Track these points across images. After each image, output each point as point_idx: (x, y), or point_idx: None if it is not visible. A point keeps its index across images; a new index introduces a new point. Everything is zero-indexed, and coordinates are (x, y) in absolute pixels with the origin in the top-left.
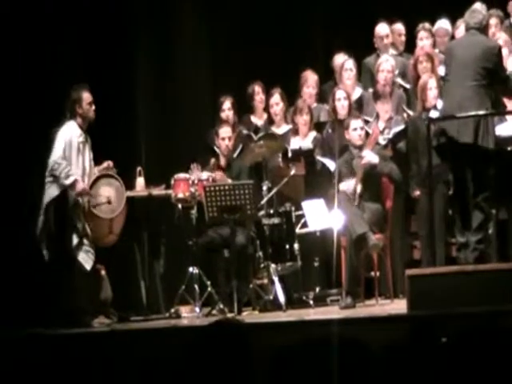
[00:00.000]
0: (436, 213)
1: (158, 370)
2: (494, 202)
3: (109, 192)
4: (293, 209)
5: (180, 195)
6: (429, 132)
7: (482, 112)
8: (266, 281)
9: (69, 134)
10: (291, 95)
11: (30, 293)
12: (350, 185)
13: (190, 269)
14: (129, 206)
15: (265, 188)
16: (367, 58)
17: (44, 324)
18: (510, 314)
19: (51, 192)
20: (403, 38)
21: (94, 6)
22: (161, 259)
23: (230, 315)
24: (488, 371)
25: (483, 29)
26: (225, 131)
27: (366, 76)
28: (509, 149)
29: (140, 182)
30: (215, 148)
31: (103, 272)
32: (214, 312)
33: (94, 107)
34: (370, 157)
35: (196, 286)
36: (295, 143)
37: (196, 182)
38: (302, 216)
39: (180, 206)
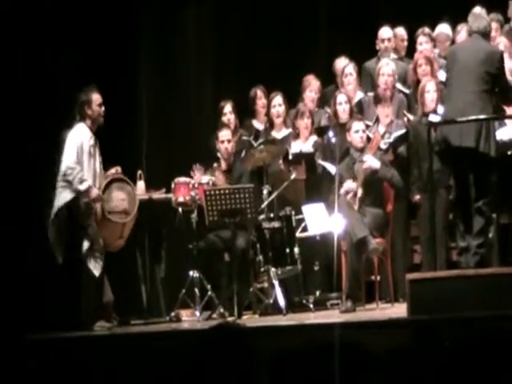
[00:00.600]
0: (437, 217)
1: (158, 374)
2: (495, 206)
3: (122, 196)
4: (293, 213)
5: (180, 199)
6: (429, 136)
7: (482, 116)
8: (266, 285)
9: (80, 138)
10: (292, 99)
11: (38, 296)
12: (351, 185)
13: (191, 272)
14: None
15: (265, 192)
16: (368, 61)
17: (49, 328)
18: (510, 318)
19: (64, 196)
20: (405, 43)
21: (98, 10)
22: (161, 263)
23: (230, 319)
24: (489, 375)
25: (487, 34)
26: (224, 134)
27: (366, 80)
28: (509, 153)
29: (140, 185)
30: (218, 153)
31: (104, 277)
32: (215, 316)
33: (103, 108)
34: (371, 162)
35: (196, 290)
36: (296, 147)
37: (196, 185)
38: (303, 220)
39: (180, 209)
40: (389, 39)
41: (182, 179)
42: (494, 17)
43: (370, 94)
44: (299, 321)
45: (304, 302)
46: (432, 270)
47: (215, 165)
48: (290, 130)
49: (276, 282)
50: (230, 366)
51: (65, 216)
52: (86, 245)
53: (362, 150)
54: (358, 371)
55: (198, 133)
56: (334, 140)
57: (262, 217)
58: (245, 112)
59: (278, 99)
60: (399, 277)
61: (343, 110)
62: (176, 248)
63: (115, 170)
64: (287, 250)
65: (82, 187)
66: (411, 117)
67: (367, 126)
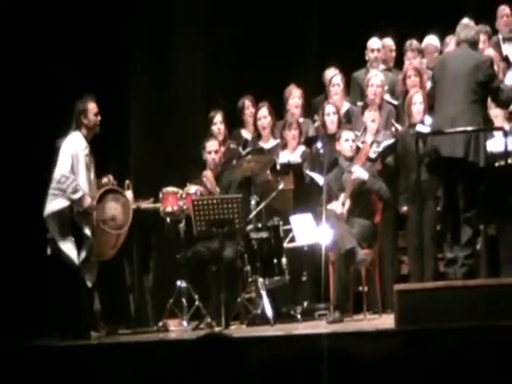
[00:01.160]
0: (425, 228)
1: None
2: (483, 217)
3: (116, 207)
4: (281, 223)
5: (168, 209)
6: (417, 147)
7: (470, 128)
8: (254, 295)
9: (75, 147)
10: (283, 109)
11: (32, 304)
12: (337, 206)
13: (178, 282)
14: None
15: (253, 202)
16: (356, 71)
17: (41, 336)
18: (498, 329)
19: (56, 204)
20: (393, 54)
21: (90, 20)
22: (149, 272)
23: (217, 329)
24: None
25: (475, 44)
26: (212, 145)
27: (354, 90)
28: (497, 165)
29: (128, 195)
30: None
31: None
32: (202, 326)
33: (99, 118)
34: (359, 173)
35: (184, 300)
36: (284, 157)
37: (184, 195)
38: (291, 230)
39: (169, 219)
40: (378, 50)
41: (170, 189)
42: (481, 28)
43: (359, 103)
44: (287, 331)
45: (292, 312)
46: (420, 281)
47: (203, 174)
48: (277, 140)
49: (264, 293)
50: (217, 377)
51: (61, 222)
52: (83, 254)
53: (351, 159)
54: (346, 382)
55: (187, 142)
56: (322, 150)
57: (249, 227)
58: (234, 122)
59: (263, 111)
60: (387, 288)
61: (331, 120)
62: (164, 258)
63: (108, 179)
64: (275, 261)
65: (76, 196)
66: (399, 127)
67: (356, 136)
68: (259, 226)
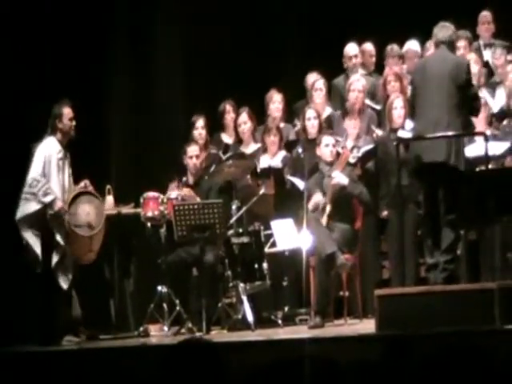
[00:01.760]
0: (406, 233)
1: None
2: (464, 222)
3: (89, 209)
4: (262, 228)
5: (149, 214)
6: (398, 152)
7: (451, 133)
8: (235, 300)
9: (48, 151)
10: (265, 114)
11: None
12: (319, 198)
13: (159, 287)
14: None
15: (234, 207)
16: (336, 78)
17: (18, 342)
18: (478, 334)
19: (28, 207)
20: (373, 59)
21: (71, 26)
22: (130, 277)
23: (198, 334)
24: None
25: (452, 44)
26: (193, 150)
27: (335, 97)
28: (477, 170)
29: (109, 200)
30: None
31: (73, 291)
32: (183, 331)
33: (74, 123)
34: (339, 178)
35: (165, 305)
36: (265, 162)
37: (165, 200)
38: (271, 235)
39: (149, 224)
40: (355, 56)
41: (151, 194)
42: (462, 34)
43: (339, 110)
44: (268, 336)
45: (273, 317)
46: (401, 285)
47: (184, 179)
48: (258, 145)
49: (245, 298)
50: (198, 382)
51: (33, 225)
52: (55, 258)
53: (331, 164)
54: None
55: (169, 147)
56: (302, 155)
57: (230, 232)
58: (215, 126)
59: (243, 117)
60: (368, 292)
61: (312, 125)
62: (145, 262)
63: (84, 184)
64: (256, 266)
65: (47, 199)
66: (380, 132)
67: (337, 141)
68: (240, 230)
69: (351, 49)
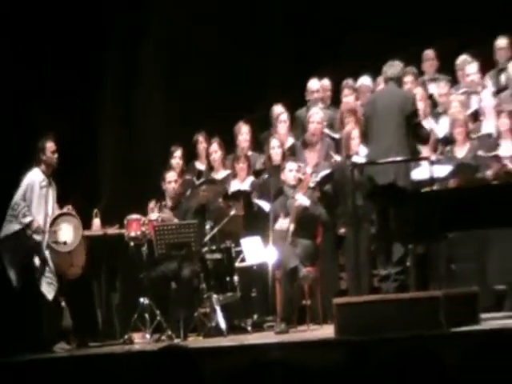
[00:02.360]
0: (361, 248)
1: None
2: (412, 238)
3: (67, 228)
4: (233, 245)
5: (132, 234)
6: (353, 175)
7: (400, 158)
8: (209, 310)
9: (31, 179)
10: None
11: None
12: (283, 224)
13: (142, 300)
14: (87, 244)
15: (208, 227)
16: (299, 110)
17: (10, 350)
18: (427, 338)
19: (10, 227)
20: (329, 93)
21: (57, 54)
22: (116, 291)
23: (177, 341)
24: None
25: (400, 80)
26: (171, 175)
27: (297, 127)
28: (423, 191)
29: (96, 222)
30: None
31: (63, 303)
32: (163, 338)
33: (56, 155)
34: (302, 200)
35: (147, 315)
36: (235, 186)
37: (147, 222)
38: (241, 252)
39: (132, 243)
40: (317, 90)
41: (134, 216)
42: (409, 70)
43: (301, 139)
44: (239, 341)
45: (243, 324)
46: (357, 295)
47: (163, 202)
48: (228, 171)
49: (218, 307)
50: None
51: (14, 244)
52: (38, 271)
53: (294, 187)
54: None
55: (148, 174)
56: (268, 180)
57: (205, 249)
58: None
59: (213, 146)
60: (328, 301)
61: (276, 153)
62: (129, 278)
63: (67, 209)
64: (228, 279)
65: (25, 220)
66: (338, 158)
67: (299, 167)
68: (213, 248)
69: (313, 84)
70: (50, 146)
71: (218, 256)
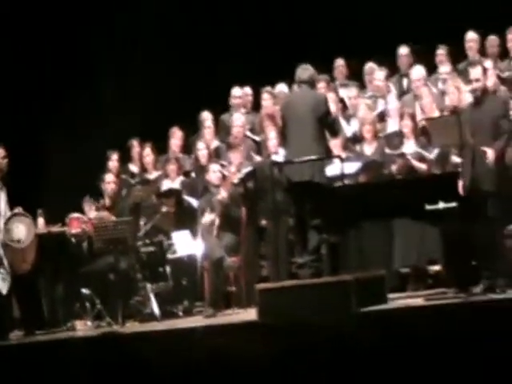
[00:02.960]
0: (280, 239)
1: (58, 375)
2: (326, 228)
3: (20, 227)
4: (165, 239)
5: (73, 231)
6: (272, 173)
7: (314, 157)
8: (144, 298)
9: None
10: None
11: None
12: (207, 218)
13: (83, 290)
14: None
15: (142, 223)
16: (223, 115)
17: None
18: (340, 318)
19: None
20: (251, 99)
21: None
22: (59, 284)
23: (115, 327)
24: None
25: (312, 83)
26: (108, 177)
27: (222, 130)
28: (335, 186)
29: (40, 221)
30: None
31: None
32: (103, 324)
33: (6, 160)
34: (222, 193)
35: (88, 305)
36: (166, 185)
37: (86, 219)
38: (173, 244)
39: (74, 240)
40: (239, 97)
41: (75, 215)
42: (322, 77)
43: (225, 141)
44: (171, 326)
45: (175, 310)
46: (277, 281)
47: (101, 202)
48: (159, 172)
49: (152, 296)
50: (116, 366)
51: None
52: None
53: (218, 187)
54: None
55: (88, 176)
56: (196, 179)
57: (139, 243)
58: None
59: (146, 151)
60: (251, 287)
61: (202, 154)
62: (71, 271)
63: (18, 210)
64: (160, 269)
65: None
66: (258, 158)
67: (223, 166)
68: (147, 242)
69: (236, 91)
70: (0, 152)
71: (151, 249)
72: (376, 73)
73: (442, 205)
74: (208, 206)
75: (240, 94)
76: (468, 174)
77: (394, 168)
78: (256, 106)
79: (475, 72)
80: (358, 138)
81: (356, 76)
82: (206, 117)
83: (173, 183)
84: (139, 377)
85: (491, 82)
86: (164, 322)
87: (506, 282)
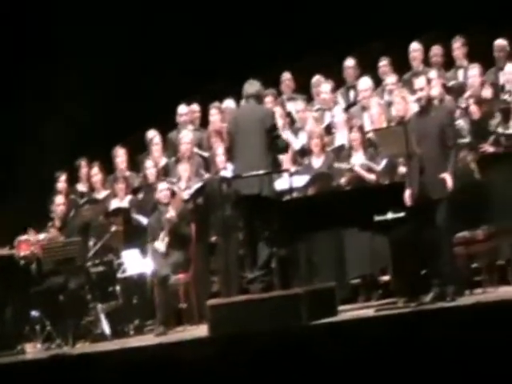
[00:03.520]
0: (230, 254)
1: None
2: (276, 242)
3: None
4: (114, 258)
5: (22, 253)
6: (221, 189)
7: (263, 171)
8: (94, 318)
9: None
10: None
11: None
12: (159, 245)
13: (33, 312)
14: None
15: (91, 243)
16: (170, 132)
17: None
18: (291, 331)
19: None
20: (198, 115)
21: None
22: (9, 305)
23: (66, 348)
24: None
25: (259, 97)
26: (58, 199)
27: (170, 147)
28: (284, 199)
29: None
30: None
31: None
32: (53, 346)
33: None
34: (170, 212)
35: (37, 327)
36: (114, 204)
37: (35, 241)
38: (122, 263)
39: (22, 261)
40: (186, 114)
41: (24, 237)
42: (269, 91)
43: (173, 158)
44: (122, 345)
45: (126, 329)
46: (228, 296)
47: (50, 223)
48: (108, 191)
49: (102, 315)
50: None
51: None
52: None
53: (167, 205)
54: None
55: (35, 198)
56: (145, 198)
57: (89, 263)
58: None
59: (94, 170)
60: (202, 303)
61: (151, 173)
62: (20, 293)
63: None
64: (110, 289)
65: None
66: (207, 174)
67: (172, 183)
68: (97, 261)
69: (182, 109)
70: None
71: (101, 268)
72: (322, 85)
73: (390, 215)
74: (157, 225)
75: (186, 111)
76: (416, 183)
77: (342, 180)
78: (204, 122)
79: (419, 82)
80: (306, 151)
81: (303, 89)
82: (154, 134)
83: (121, 202)
84: None
85: (436, 91)
86: (115, 341)
87: (456, 289)
